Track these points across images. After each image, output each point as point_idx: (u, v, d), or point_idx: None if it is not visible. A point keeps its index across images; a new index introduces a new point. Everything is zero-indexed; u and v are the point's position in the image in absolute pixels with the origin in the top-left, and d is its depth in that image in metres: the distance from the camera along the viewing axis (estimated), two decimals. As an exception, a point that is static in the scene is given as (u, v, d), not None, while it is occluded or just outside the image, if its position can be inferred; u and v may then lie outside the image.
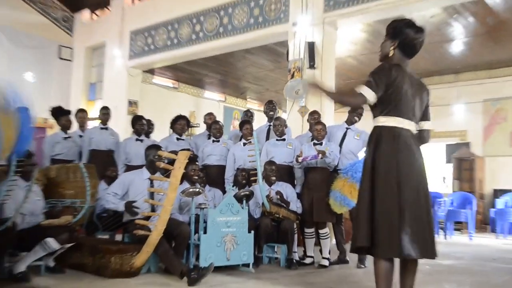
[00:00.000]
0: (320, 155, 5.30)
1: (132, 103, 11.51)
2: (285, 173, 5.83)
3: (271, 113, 6.68)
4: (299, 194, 5.69)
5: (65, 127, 6.66)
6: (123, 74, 11.68)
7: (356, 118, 5.87)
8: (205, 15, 9.98)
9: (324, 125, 5.76)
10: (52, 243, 4.11)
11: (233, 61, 11.84)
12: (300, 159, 5.47)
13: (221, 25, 9.62)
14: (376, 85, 2.92)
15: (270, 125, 6.58)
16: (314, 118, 6.26)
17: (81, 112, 7.30)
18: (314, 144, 5.63)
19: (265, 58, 11.51)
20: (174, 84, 13.79)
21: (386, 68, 2.96)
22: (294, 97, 7.83)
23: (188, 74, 13.06)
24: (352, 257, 5.61)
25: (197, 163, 5.59)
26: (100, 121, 7.02)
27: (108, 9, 12.76)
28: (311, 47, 7.92)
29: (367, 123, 5.75)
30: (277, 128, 6.00)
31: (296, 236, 5.70)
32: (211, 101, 14.79)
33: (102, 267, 4.37)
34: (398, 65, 2.98)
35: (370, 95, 2.93)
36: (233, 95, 15.37)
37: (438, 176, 12.66)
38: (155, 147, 5.17)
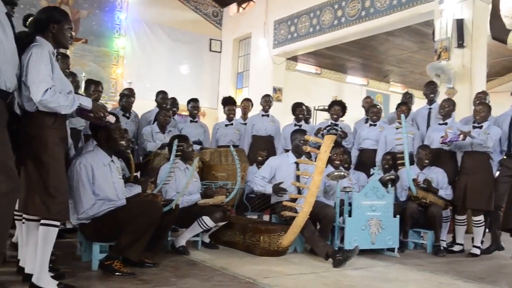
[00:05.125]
0: (461, 135, 5.00)
1: (277, 90, 11.88)
2: (445, 157, 5.56)
3: (432, 95, 6.26)
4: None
5: (229, 115, 6.96)
6: (268, 63, 12.11)
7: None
8: (347, 0, 9.92)
9: (486, 105, 5.32)
10: (208, 221, 4.41)
11: (375, 44, 11.62)
12: (441, 140, 5.26)
13: (363, 9, 9.49)
14: None
15: (430, 108, 6.21)
16: (478, 98, 5.83)
17: (246, 101, 7.63)
18: (474, 127, 5.28)
19: (409, 40, 11.13)
20: (317, 70, 13.93)
21: None
22: (436, 79, 7.48)
23: (330, 59, 13.10)
24: (507, 247, 5.28)
25: (341, 148, 5.57)
26: (262, 107, 7.23)
27: (253, 1, 13.30)
28: (459, 24, 7.50)
29: None
30: (444, 109, 5.68)
31: (448, 223, 5.51)
32: (353, 86, 14.69)
33: (252, 245, 4.58)
34: None
35: None
36: (375, 79, 15.09)
37: None
38: (300, 131, 5.26)
